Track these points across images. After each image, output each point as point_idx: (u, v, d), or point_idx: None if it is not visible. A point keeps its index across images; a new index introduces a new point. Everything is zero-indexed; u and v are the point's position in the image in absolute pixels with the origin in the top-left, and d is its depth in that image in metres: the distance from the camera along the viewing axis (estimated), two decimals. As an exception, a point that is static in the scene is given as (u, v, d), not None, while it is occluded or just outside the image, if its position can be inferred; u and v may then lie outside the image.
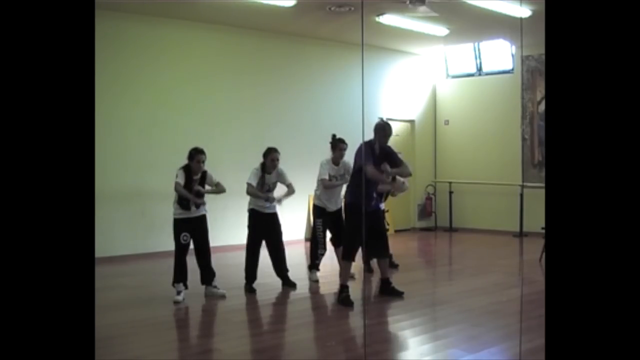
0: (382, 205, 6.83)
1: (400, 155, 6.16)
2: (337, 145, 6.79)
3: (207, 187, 6.13)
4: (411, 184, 11.81)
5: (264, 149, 9.08)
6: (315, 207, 7.04)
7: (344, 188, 6.52)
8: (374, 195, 6.05)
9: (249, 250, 6.53)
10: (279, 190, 6.67)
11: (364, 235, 5.78)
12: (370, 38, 10.26)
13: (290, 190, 6.58)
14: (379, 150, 5.81)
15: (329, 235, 7.09)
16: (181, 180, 5.92)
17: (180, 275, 6.00)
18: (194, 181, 5.99)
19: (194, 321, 5.78)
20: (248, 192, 6.43)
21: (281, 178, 6.55)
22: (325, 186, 6.77)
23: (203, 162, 5.97)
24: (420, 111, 12.29)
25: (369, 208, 5.93)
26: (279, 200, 6.53)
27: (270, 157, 6.39)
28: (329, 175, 6.75)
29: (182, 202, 5.97)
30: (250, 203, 6.56)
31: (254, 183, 6.39)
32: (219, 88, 9.61)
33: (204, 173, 6.06)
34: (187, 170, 5.98)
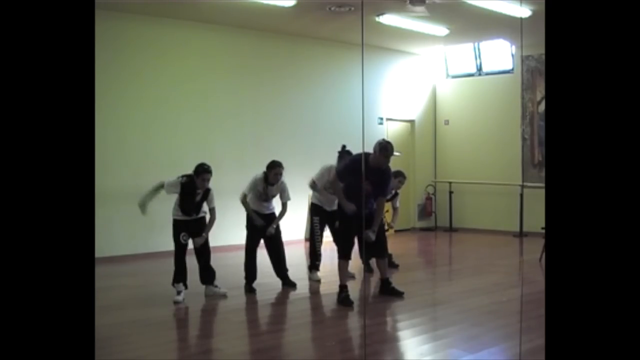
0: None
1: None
2: (345, 157, 6.79)
3: (205, 206, 6.14)
4: (411, 184, 11.87)
5: (264, 149, 9.06)
6: (313, 205, 7.10)
7: None
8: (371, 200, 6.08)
9: (247, 250, 6.54)
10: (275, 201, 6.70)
11: (363, 234, 5.78)
12: (370, 38, 10.26)
13: (284, 211, 6.60)
14: (373, 167, 5.76)
15: (328, 235, 7.10)
16: (171, 190, 5.97)
17: (180, 275, 6.01)
18: (197, 195, 6.00)
19: (194, 321, 5.78)
20: (241, 200, 6.47)
21: (282, 193, 6.57)
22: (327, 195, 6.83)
23: (208, 180, 5.97)
24: (420, 111, 12.28)
25: (364, 211, 5.95)
26: (274, 227, 6.54)
27: (274, 171, 6.40)
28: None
29: (184, 208, 5.98)
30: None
31: (249, 194, 6.45)
32: (219, 88, 9.61)
33: (207, 190, 6.06)
34: (189, 182, 5.94)
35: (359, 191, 5.55)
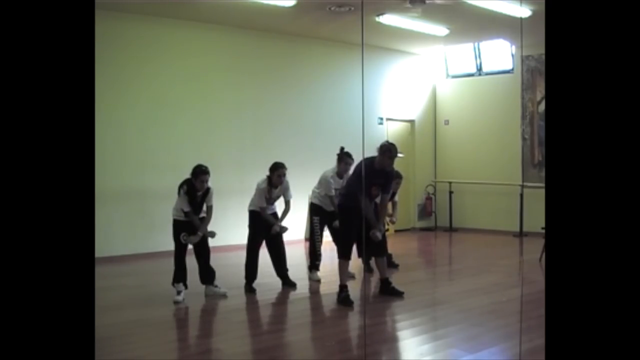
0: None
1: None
2: (344, 158, 6.80)
3: (205, 206, 6.13)
4: (411, 184, 11.88)
5: (263, 149, 9.05)
6: (313, 204, 7.11)
7: None
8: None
9: (249, 250, 6.54)
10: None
11: (363, 234, 5.78)
12: (370, 38, 10.26)
13: (288, 208, 6.63)
14: (378, 170, 5.78)
15: (328, 235, 7.10)
16: (186, 207, 5.94)
17: (180, 275, 6.01)
18: (197, 197, 6.01)
19: (194, 321, 5.78)
20: (264, 216, 6.45)
21: (285, 192, 6.58)
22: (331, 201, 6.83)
23: (206, 181, 5.98)
24: (420, 111, 12.28)
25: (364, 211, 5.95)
26: (284, 229, 6.56)
27: (277, 172, 6.40)
28: (334, 190, 6.81)
29: (187, 213, 5.98)
30: (251, 204, 6.57)
31: (264, 203, 6.43)
32: (219, 88, 9.61)
33: (207, 190, 6.06)
34: (190, 187, 5.95)
35: (363, 192, 5.61)
